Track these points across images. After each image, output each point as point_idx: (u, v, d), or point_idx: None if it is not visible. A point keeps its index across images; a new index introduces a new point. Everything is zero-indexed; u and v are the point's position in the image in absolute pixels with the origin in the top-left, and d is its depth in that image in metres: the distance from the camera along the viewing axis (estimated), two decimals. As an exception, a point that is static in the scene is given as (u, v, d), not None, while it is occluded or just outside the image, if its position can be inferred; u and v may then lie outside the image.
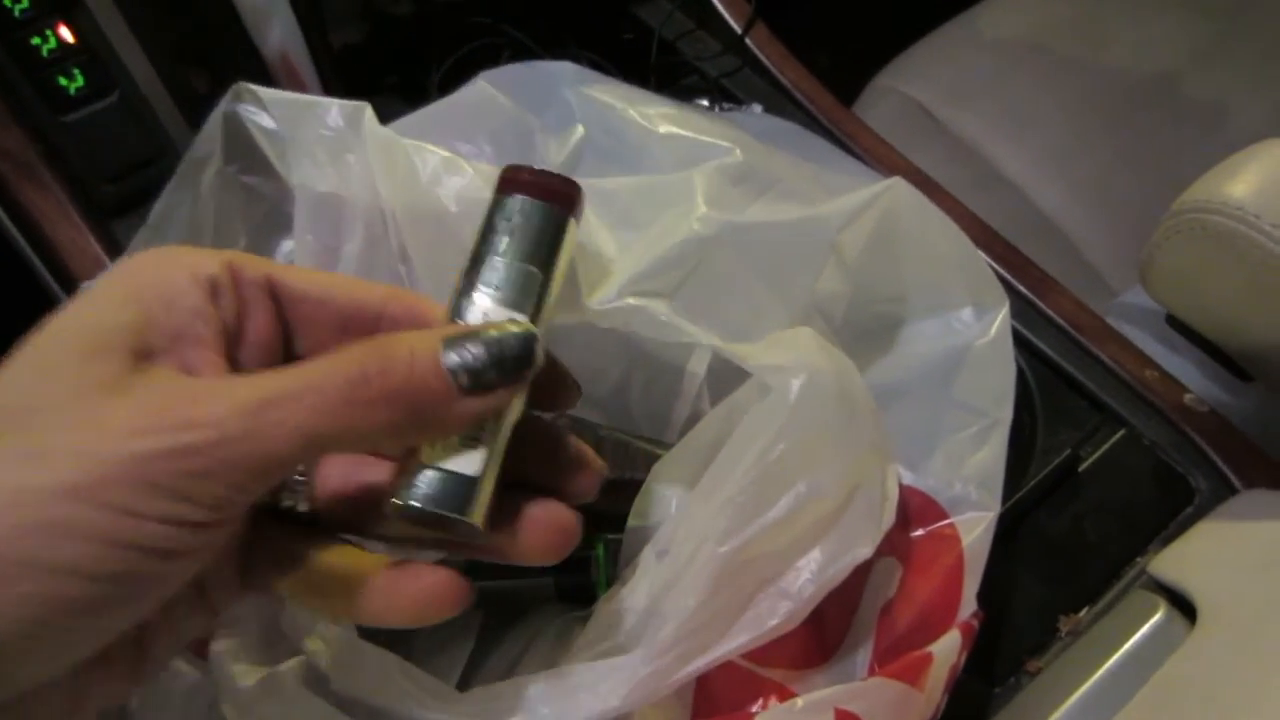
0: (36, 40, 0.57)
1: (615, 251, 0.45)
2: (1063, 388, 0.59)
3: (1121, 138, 0.86)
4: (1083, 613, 0.52)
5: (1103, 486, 0.55)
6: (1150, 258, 0.53)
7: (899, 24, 0.96)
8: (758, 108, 0.67)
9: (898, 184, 0.48)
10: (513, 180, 0.32)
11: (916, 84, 0.89)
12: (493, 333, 0.28)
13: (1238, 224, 0.47)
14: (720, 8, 0.71)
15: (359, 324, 0.31)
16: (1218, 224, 0.48)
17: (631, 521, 0.46)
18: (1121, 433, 0.57)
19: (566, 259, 0.33)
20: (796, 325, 0.46)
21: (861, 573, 0.43)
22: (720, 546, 0.38)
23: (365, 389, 0.26)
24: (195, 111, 0.62)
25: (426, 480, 0.29)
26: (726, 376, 0.48)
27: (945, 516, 0.47)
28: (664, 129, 0.49)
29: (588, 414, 0.52)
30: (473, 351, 0.28)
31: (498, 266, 0.31)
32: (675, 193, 0.45)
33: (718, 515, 0.38)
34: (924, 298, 0.52)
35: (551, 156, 0.52)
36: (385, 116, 0.69)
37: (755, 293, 0.45)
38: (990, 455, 0.48)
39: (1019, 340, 0.57)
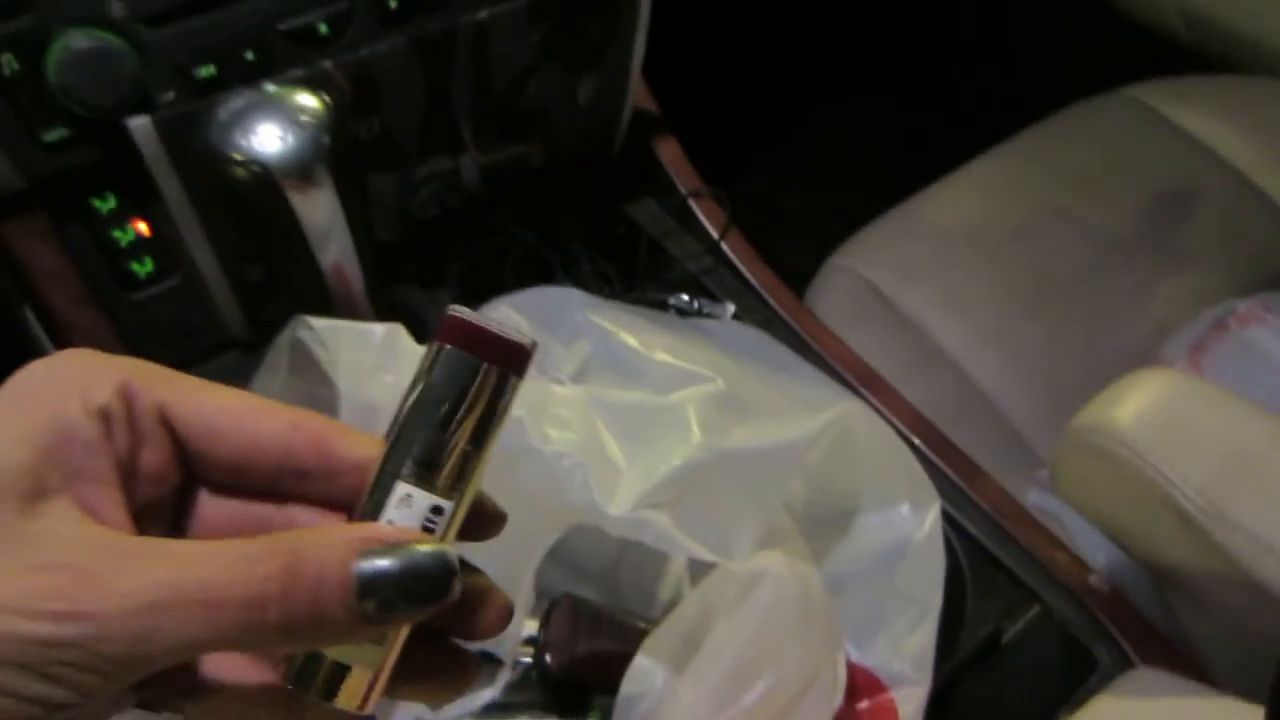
0: (117, 234, 0.66)
1: (623, 461, 0.55)
2: (988, 565, 0.69)
3: (1049, 318, 0.99)
4: (1001, 772, 0.61)
5: (1021, 657, 0.65)
6: (1055, 466, 0.63)
7: (853, 206, 1.08)
8: (731, 307, 0.78)
9: (853, 407, 0.59)
10: (453, 331, 0.28)
11: (867, 264, 1.01)
12: (409, 558, 0.26)
13: (1118, 446, 0.58)
14: (699, 215, 0.82)
15: (261, 457, 0.29)
16: (1104, 445, 0.59)
17: (624, 689, 0.54)
18: (1037, 609, 0.67)
19: (505, 422, 0.29)
20: (770, 526, 0.56)
21: (816, 741, 0.53)
22: (702, 728, 0.47)
23: (264, 613, 0.25)
24: (247, 294, 0.71)
25: (322, 668, 0.27)
26: (704, 562, 0.58)
27: (886, 690, 0.57)
28: (658, 356, 0.59)
29: (585, 591, 0.61)
30: (386, 578, 0.25)
31: (428, 440, 0.28)
32: (673, 417, 0.55)
33: (702, 702, 0.48)
34: (870, 495, 0.62)
35: (564, 368, 0.62)
36: (411, 301, 0.79)
37: (737, 502, 0.55)
38: (924, 638, 0.58)
39: (951, 522, 0.68)
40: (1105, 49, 1.34)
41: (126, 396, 0.27)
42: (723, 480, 0.53)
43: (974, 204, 1.07)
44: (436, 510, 0.28)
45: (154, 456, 0.28)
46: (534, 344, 0.29)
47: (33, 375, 0.27)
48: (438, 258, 0.79)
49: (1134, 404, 0.60)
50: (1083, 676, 0.65)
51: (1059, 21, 1.50)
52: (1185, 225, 1.05)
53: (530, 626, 0.58)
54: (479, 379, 0.28)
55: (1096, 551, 0.77)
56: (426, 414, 0.28)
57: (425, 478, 0.28)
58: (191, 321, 0.72)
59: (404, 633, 0.28)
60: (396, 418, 0.28)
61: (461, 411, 0.28)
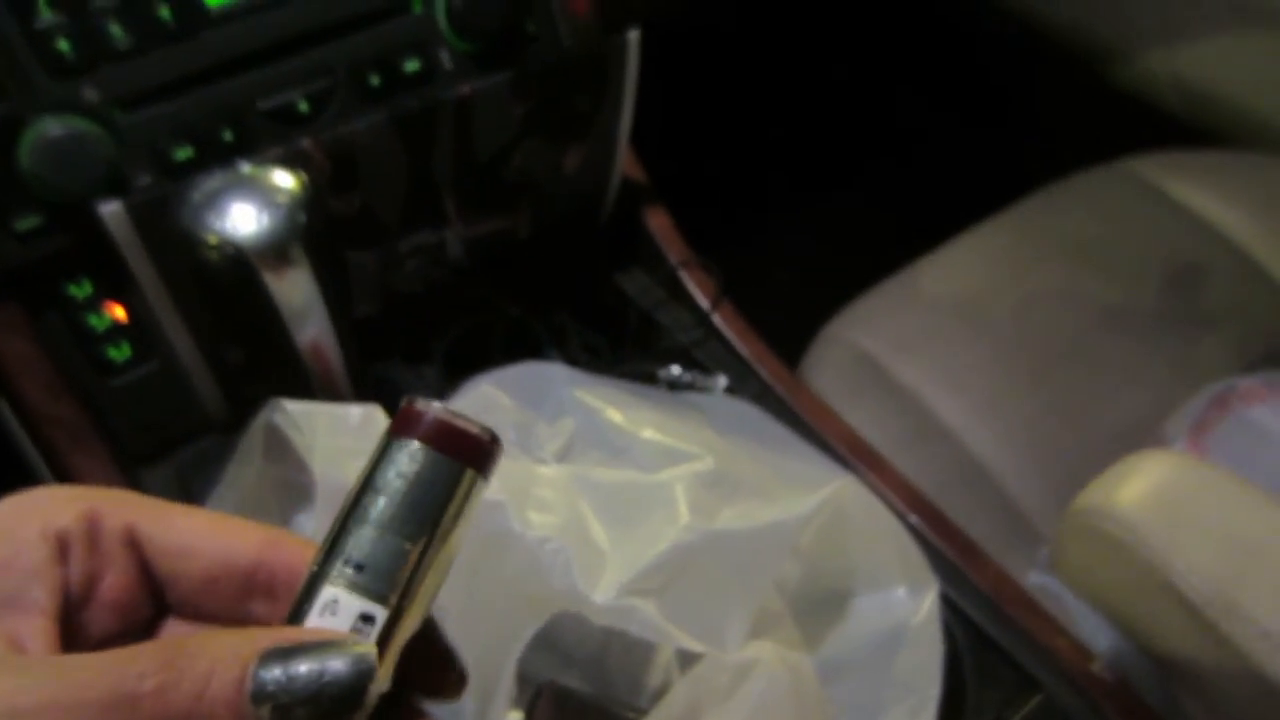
0: (93, 320, 0.65)
1: (607, 545, 0.53)
2: (988, 651, 0.66)
3: (1048, 392, 0.97)
4: None
5: (1024, 748, 0.63)
6: (1056, 549, 0.61)
7: (847, 275, 1.08)
8: (722, 380, 0.76)
9: (847, 486, 0.57)
10: (410, 422, 0.26)
11: (862, 334, 1.00)
12: (318, 661, 0.23)
13: (1122, 532, 0.56)
14: (689, 286, 0.81)
15: (230, 577, 0.28)
16: (1106, 530, 0.57)
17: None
18: (1039, 698, 0.64)
19: (466, 525, 0.27)
20: (760, 609, 0.54)
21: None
22: (690, 831, 0.45)
23: (133, 710, 0.22)
24: (225, 375, 0.70)
25: None
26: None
27: (883, 786, 0.54)
28: (645, 434, 0.58)
29: (570, 678, 0.59)
30: (287, 681, 0.23)
31: (365, 538, 0.25)
32: (659, 497, 0.53)
33: (688, 803, 0.45)
34: (865, 576, 0.60)
35: (548, 446, 0.60)
36: (394, 379, 0.77)
37: (727, 586, 0.53)
38: (922, 729, 0.55)
39: (949, 604, 0.65)
40: (1096, 119, 1.35)
41: (90, 520, 0.27)
42: (711, 564, 0.51)
43: (971, 275, 1.06)
44: (366, 618, 0.25)
45: (119, 580, 0.27)
46: (494, 439, 0.27)
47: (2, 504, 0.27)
48: (422, 333, 0.78)
49: (1136, 488, 0.58)
50: (1088, 768, 0.62)
51: (1049, 91, 1.51)
52: (1185, 300, 1.04)
53: (514, 717, 0.55)
54: (426, 475, 0.26)
55: (1098, 636, 0.75)
56: (363, 511, 0.26)
57: (357, 582, 0.25)
58: (170, 405, 0.70)
59: None
60: (340, 513, 0.26)
61: (403, 509, 0.26)
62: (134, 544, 0.28)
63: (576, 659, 0.60)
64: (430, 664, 0.28)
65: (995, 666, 0.66)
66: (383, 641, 0.25)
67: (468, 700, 0.53)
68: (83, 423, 0.64)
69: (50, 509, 0.27)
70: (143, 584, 0.28)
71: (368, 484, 0.26)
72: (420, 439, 0.26)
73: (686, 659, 0.59)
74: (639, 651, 0.59)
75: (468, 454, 0.26)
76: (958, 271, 1.06)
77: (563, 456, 0.60)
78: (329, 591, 0.25)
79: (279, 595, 0.28)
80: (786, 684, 0.47)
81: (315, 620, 0.25)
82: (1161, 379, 0.98)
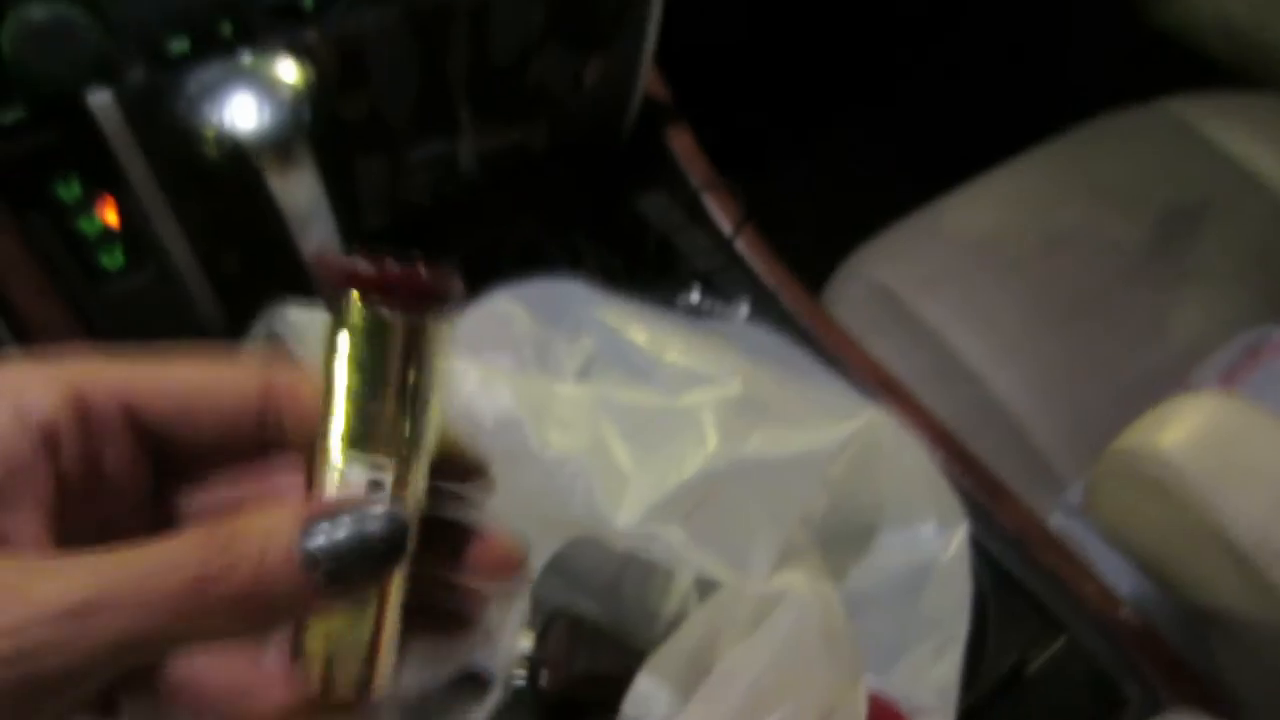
0: (83, 224, 0.61)
1: (630, 468, 0.50)
2: (1012, 592, 0.64)
3: (1074, 335, 0.94)
4: (1025, 813, 0.57)
5: (1046, 691, 0.61)
6: (1091, 489, 0.59)
7: (872, 208, 1.04)
8: (743, 307, 0.73)
9: (879, 418, 0.54)
10: (351, 281, 0.25)
11: (885, 270, 0.97)
12: (357, 520, 0.24)
13: (1165, 473, 0.53)
14: (711, 210, 0.78)
15: (237, 434, 0.28)
16: (1148, 471, 0.54)
17: (625, 711, 0.50)
18: (1063, 640, 0.62)
19: (439, 368, 0.26)
20: (787, 541, 0.52)
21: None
22: (713, 763, 0.43)
23: (203, 597, 0.23)
24: (223, 284, 0.66)
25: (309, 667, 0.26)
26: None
27: (906, 723, 0.52)
28: (670, 356, 0.55)
29: (585, 605, 0.56)
30: (333, 544, 0.24)
31: (351, 410, 0.26)
32: (686, 421, 0.50)
33: (710, 734, 0.43)
34: (894, 510, 0.57)
35: (567, 364, 0.57)
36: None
37: (755, 515, 0.50)
38: (948, 668, 0.53)
39: (974, 545, 0.63)
40: (1136, 59, 1.30)
41: (76, 402, 0.25)
42: (740, 491, 0.48)
43: (999, 212, 1.02)
44: (375, 485, 0.26)
45: (118, 461, 0.26)
46: (440, 275, 0.26)
47: None
48: (431, 249, 0.74)
49: (1182, 429, 0.55)
50: (1110, 714, 0.60)
51: (1091, 29, 1.46)
52: (1218, 245, 1.01)
53: (525, 643, 0.53)
54: (375, 332, 0.25)
55: (1121, 581, 0.73)
56: (335, 384, 0.26)
57: (357, 450, 0.26)
58: (166, 316, 0.67)
59: (390, 607, 0.26)
60: (321, 390, 0.26)
61: (365, 373, 0.25)
62: (129, 417, 0.26)
63: (590, 586, 0.58)
64: (460, 465, 0.28)
65: (1019, 609, 0.64)
66: (395, 500, 0.26)
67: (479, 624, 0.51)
68: (74, 329, 0.61)
69: (30, 398, 0.25)
70: (143, 457, 0.27)
71: (330, 354, 0.26)
72: (374, 300, 0.25)
73: (705, 589, 0.57)
74: (656, 580, 0.56)
75: (410, 300, 0.25)
76: (985, 209, 1.03)
77: (582, 376, 0.57)
78: (335, 464, 0.26)
79: (290, 433, 0.28)
80: (817, 615, 0.45)
81: (330, 493, 0.26)
82: (1192, 327, 0.96)
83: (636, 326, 0.56)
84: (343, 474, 0.26)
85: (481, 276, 0.67)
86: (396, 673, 0.27)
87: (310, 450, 0.26)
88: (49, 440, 0.25)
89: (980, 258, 0.98)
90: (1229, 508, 0.51)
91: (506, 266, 0.74)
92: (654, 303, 0.71)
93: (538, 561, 0.48)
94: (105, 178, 0.59)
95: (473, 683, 0.53)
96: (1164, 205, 1.03)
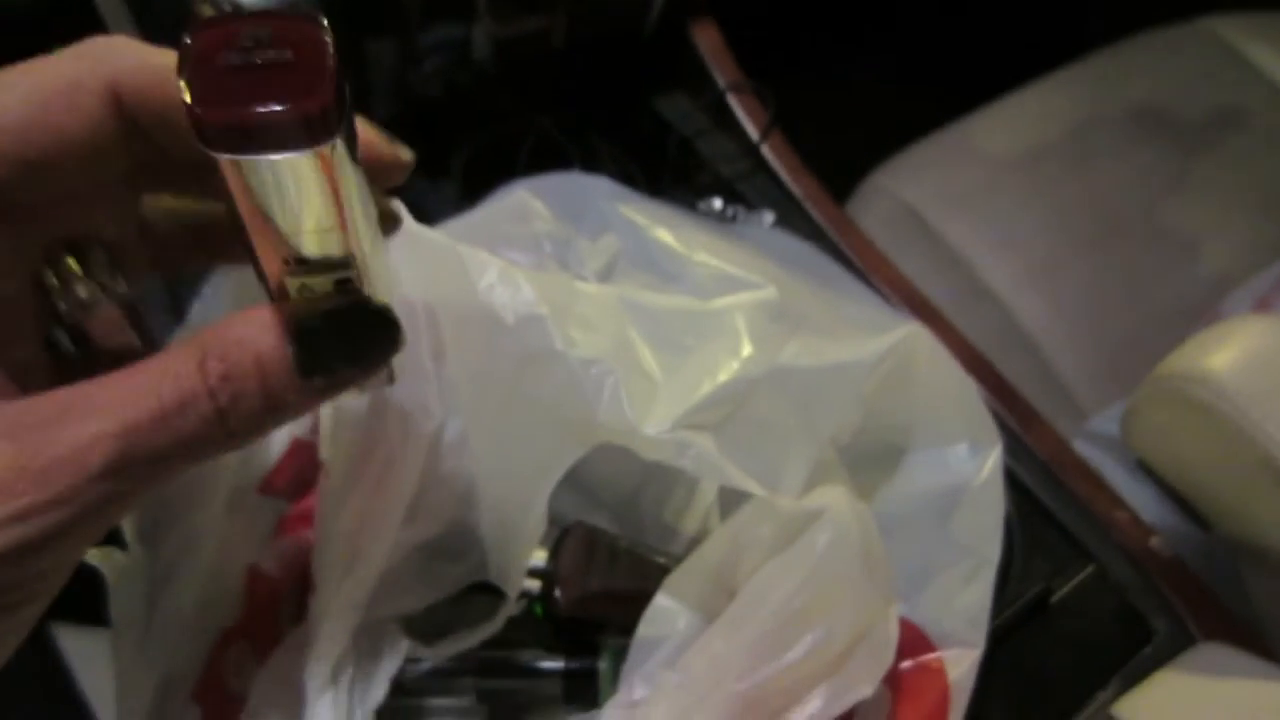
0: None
1: (660, 373, 0.47)
2: (1040, 519, 0.62)
3: (1102, 261, 0.91)
4: (1046, 743, 0.55)
5: (1071, 620, 0.59)
6: (1132, 413, 0.56)
7: (900, 120, 1.00)
8: (769, 216, 0.70)
9: (918, 332, 0.51)
10: (224, 126, 0.21)
11: (911, 187, 0.93)
12: (341, 315, 0.24)
13: (1216, 399, 0.51)
14: (738, 113, 0.73)
15: (86, 145, 0.25)
16: (1198, 396, 0.51)
17: (641, 630, 0.47)
18: (1090, 569, 0.60)
19: (359, 177, 0.24)
20: (819, 458, 0.49)
21: (855, 701, 0.46)
22: (739, 684, 0.40)
23: (223, 427, 0.23)
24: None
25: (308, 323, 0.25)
26: (736, 491, 0.50)
27: (934, 650, 0.50)
28: (699, 257, 0.51)
29: (600, 519, 0.54)
30: (323, 341, 0.24)
31: (289, 233, 0.23)
32: (718, 325, 0.47)
33: (738, 654, 0.41)
34: (926, 430, 0.54)
35: (589, 264, 0.54)
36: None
37: (789, 429, 0.47)
38: (979, 593, 0.51)
39: (1004, 470, 0.61)
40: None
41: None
42: (775, 402, 0.45)
43: (1029, 131, 0.98)
44: (342, 284, 0.25)
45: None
46: (327, 63, 0.21)
47: None
48: (442, 142, 0.70)
49: (1235, 351, 0.52)
50: (1137, 646, 0.59)
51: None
52: (1254, 170, 0.97)
53: (539, 556, 0.50)
54: (294, 168, 0.21)
55: (1146, 510, 0.71)
56: (263, 213, 0.23)
57: (306, 272, 0.24)
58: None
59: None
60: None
61: (297, 204, 0.22)
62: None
63: (606, 500, 0.55)
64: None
65: (1047, 536, 0.61)
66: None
67: (491, 532, 0.49)
68: None
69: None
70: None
71: (239, 187, 0.22)
72: (257, 147, 0.21)
73: (727, 506, 0.54)
74: (677, 495, 0.54)
75: (313, 130, 0.21)
76: (1016, 127, 0.98)
77: (605, 277, 0.54)
78: (292, 283, 0.24)
79: (155, 128, 0.26)
80: (855, 535, 0.42)
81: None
82: (1223, 254, 0.92)
83: (663, 226, 0.53)
84: (303, 284, 0.24)
85: (492, 174, 0.63)
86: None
87: (255, 264, 0.24)
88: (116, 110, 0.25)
89: (1008, 178, 0.95)
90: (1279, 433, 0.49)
91: (519, 166, 0.71)
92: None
93: (557, 471, 0.45)
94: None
95: (483, 595, 0.50)
96: (1200, 127, 0.99)
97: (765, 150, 0.73)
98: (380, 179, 0.28)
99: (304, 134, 0.21)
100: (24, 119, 0.24)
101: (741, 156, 0.74)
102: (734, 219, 0.70)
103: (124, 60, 0.25)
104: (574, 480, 0.52)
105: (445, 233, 0.50)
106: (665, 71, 0.78)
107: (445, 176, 0.70)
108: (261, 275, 0.24)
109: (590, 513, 0.54)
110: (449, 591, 0.50)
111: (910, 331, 0.51)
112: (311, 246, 0.23)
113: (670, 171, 0.74)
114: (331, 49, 0.21)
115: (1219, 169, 0.96)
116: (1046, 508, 0.62)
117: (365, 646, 0.46)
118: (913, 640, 0.51)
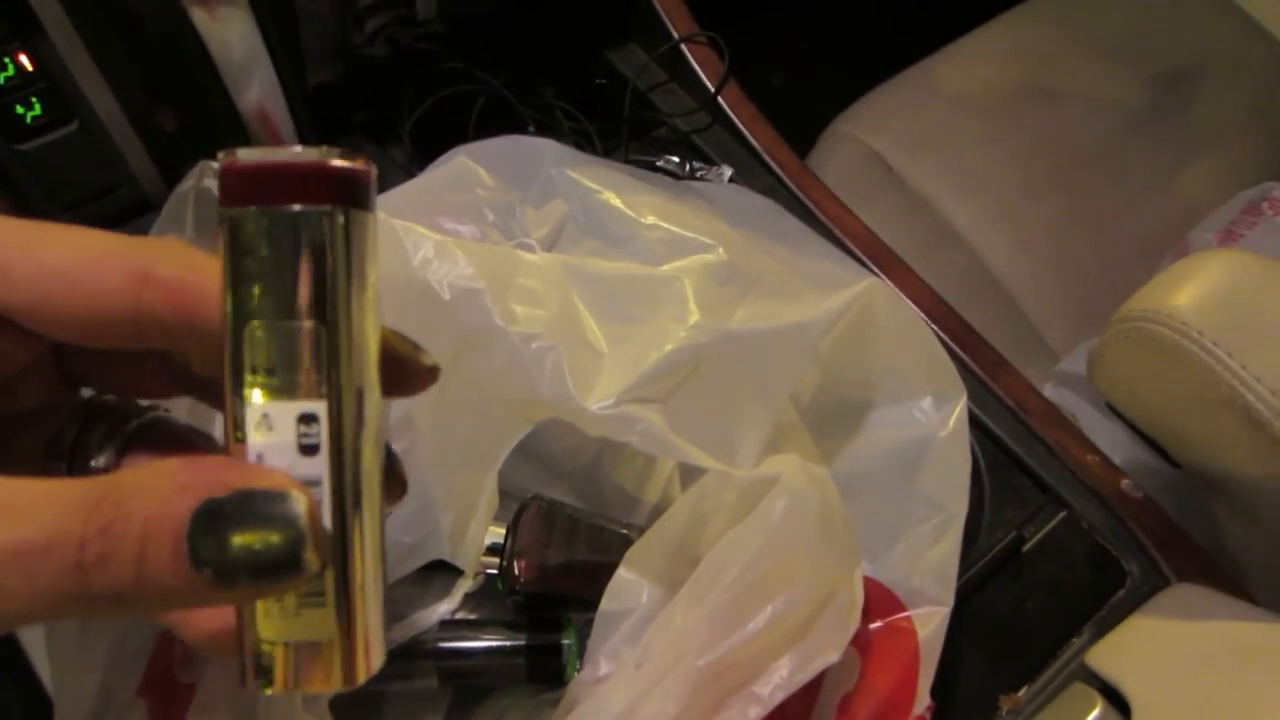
0: (-5, 70, 0.55)
1: (604, 344, 0.45)
2: (1010, 467, 0.61)
3: (1066, 198, 0.90)
4: (1021, 692, 0.55)
5: (1044, 567, 0.58)
6: (1097, 356, 0.55)
7: (858, 65, 0.98)
8: (727, 171, 0.68)
9: (875, 286, 0.50)
10: (241, 182, 0.20)
11: (873, 132, 0.91)
12: (250, 527, 0.19)
13: (1180, 337, 0.50)
14: (694, 64, 0.71)
15: (108, 323, 0.23)
16: (1161, 334, 0.50)
17: (604, 605, 0.47)
18: (1062, 514, 0.59)
19: (367, 270, 0.22)
20: (775, 422, 0.48)
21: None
22: (699, 660, 0.40)
23: (85, 585, 0.19)
24: (159, 145, 0.60)
25: (274, 660, 0.21)
26: (697, 462, 0.49)
27: (903, 609, 0.49)
28: (648, 220, 0.50)
29: (559, 492, 0.53)
30: (220, 541, 0.19)
31: (260, 335, 0.21)
32: (665, 292, 0.46)
33: (698, 629, 0.40)
34: (888, 385, 0.53)
35: (534, 232, 0.52)
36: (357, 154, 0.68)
37: (741, 395, 0.46)
38: (947, 550, 0.50)
39: (971, 419, 0.60)
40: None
41: None
42: (725, 368, 0.44)
43: (990, 70, 0.96)
44: (308, 418, 0.21)
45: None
46: (365, 163, 0.21)
47: None
48: (388, 106, 0.68)
49: (1199, 288, 0.51)
50: (1111, 590, 0.58)
51: None
52: (1217, 101, 0.96)
53: (495, 532, 0.49)
54: (283, 238, 0.20)
55: (1115, 453, 0.70)
56: (242, 306, 0.21)
57: (275, 386, 0.21)
58: (96, 178, 0.61)
59: (368, 555, 0.22)
60: (223, 312, 0.21)
61: (277, 286, 0.20)
62: None
63: (566, 471, 0.54)
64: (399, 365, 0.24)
65: (1017, 483, 0.61)
66: (336, 436, 0.21)
67: (444, 514, 0.47)
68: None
69: None
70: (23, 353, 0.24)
71: (232, 273, 0.21)
72: (254, 201, 0.20)
73: (690, 473, 0.53)
74: (637, 465, 0.53)
75: (318, 192, 0.20)
76: (976, 66, 0.97)
77: (551, 244, 0.52)
78: (256, 404, 0.21)
79: (175, 337, 0.23)
80: (812, 501, 0.41)
81: (254, 438, 0.21)
82: (1188, 186, 0.91)
83: (612, 189, 0.51)
84: (267, 416, 0.21)
85: (442, 138, 0.61)
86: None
87: (222, 380, 0.21)
88: None
89: (970, 118, 0.93)
90: (1247, 373, 0.48)
91: (469, 127, 0.69)
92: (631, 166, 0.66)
93: (504, 447, 0.44)
94: (19, 18, 0.52)
95: (441, 574, 0.49)
96: (1163, 61, 0.97)
97: (722, 102, 0.71)
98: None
99: (327, 187, 0.20)
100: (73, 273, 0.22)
101: (698, 110, 0.72)
102: (693, 175, 0.69)
103: (164, 252, 0.23)
104: (531, 452, 0.51)
105: (384, 205, 0.49)
106: (618, 23, 0.75)
107: (394, 142, 0.68)
108: (231, 400, 0.21)
109: (551, 485, 0.53)
110: (405, 571, 0.49)
111: (867, 286, 0.49)
112: (299, 351, 0.21)
113: (627, 127, 0.72)
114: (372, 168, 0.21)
115: (1184, 102, 0.94)
116: (1016, 455, 0.61)
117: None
118: (881, 601, 0.50)
